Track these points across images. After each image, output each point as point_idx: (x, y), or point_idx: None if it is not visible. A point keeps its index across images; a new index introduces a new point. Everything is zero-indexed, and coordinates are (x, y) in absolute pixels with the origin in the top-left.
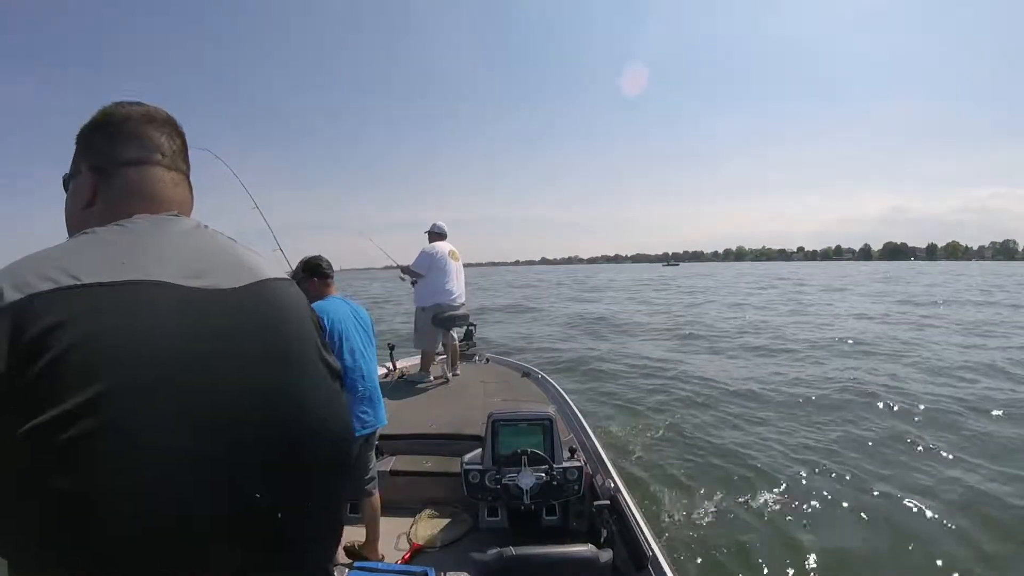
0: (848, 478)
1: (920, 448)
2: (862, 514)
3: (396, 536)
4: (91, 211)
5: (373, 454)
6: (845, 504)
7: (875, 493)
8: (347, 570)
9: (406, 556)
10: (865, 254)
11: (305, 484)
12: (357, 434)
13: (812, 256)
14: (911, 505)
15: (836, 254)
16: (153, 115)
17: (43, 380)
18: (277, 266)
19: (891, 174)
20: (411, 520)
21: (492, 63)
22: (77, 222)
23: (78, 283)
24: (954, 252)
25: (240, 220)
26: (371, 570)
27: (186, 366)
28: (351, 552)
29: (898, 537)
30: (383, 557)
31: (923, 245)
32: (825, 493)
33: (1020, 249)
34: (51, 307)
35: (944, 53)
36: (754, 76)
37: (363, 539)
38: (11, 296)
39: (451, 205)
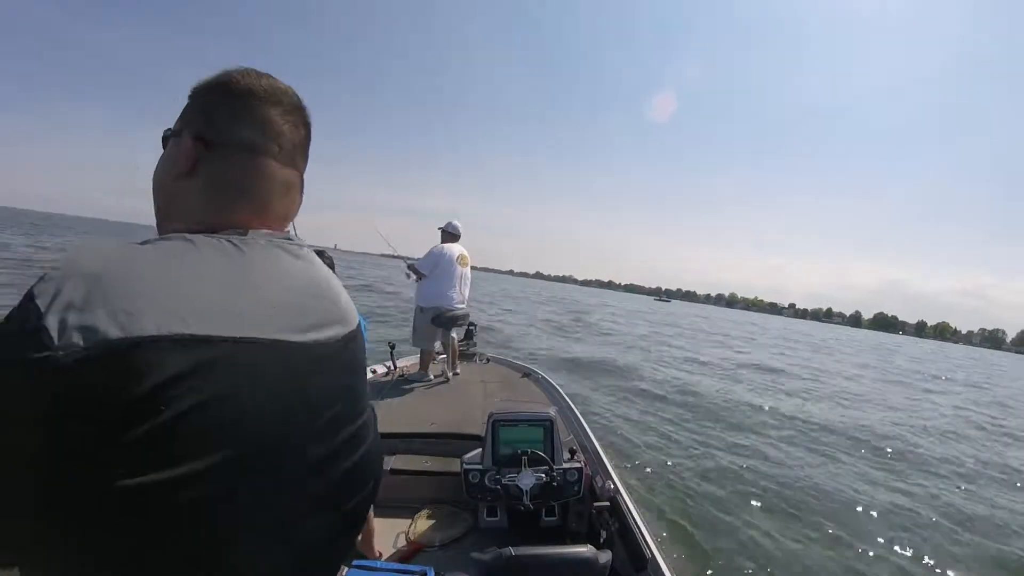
0: (846, 483)
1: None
2: (861, 515)
3: (395, 535)
4: (185, 184)
5: None
6: (844, 505)
7: (870, 500)
8: (345, 569)
9: (405, 555)
10: (855, 321)
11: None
12: None
13: (802, 314)
14: (908, 513)
15: (826, 316)
16: (281, 97)
17: (155, 440)
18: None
19: (894, 251)
20: (410, 519)
21: (519, 67)
22: (167, 189)
23: (194, 335)
24: (943, 332)
25: None
26: (369, 569)
27: (291, 433)
28: None
29: (897, 542)
30: (381, 556)
31: (914, 321)
32: (824, 494)
33: (1008, 340)
34: (164, 359)
35: (972, 144)
36: (767, 129)
37: (361, 538)
38: (114, 333)
39: (455, 198)
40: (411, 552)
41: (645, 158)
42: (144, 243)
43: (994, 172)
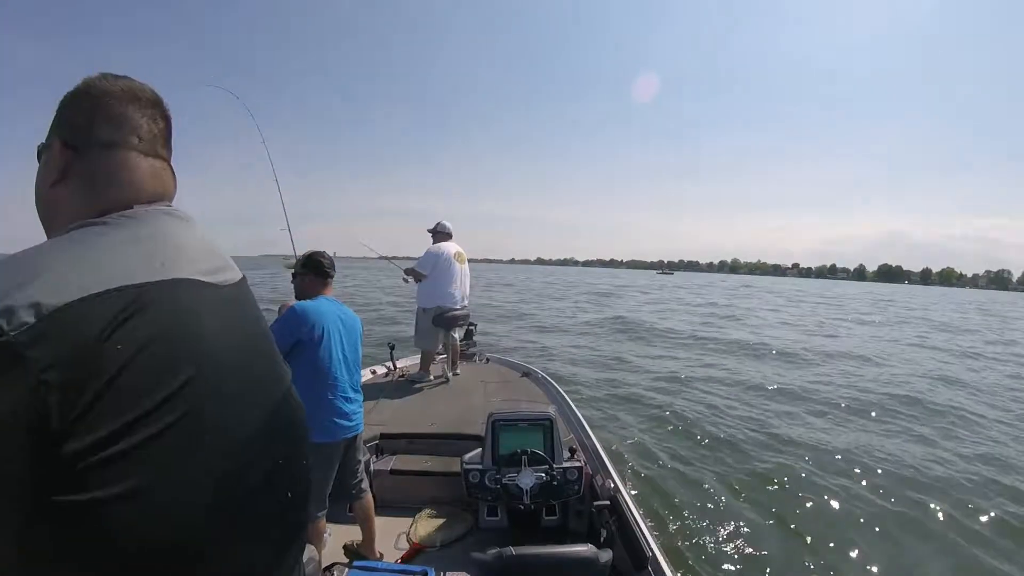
0: (847, 478)
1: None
2: (861, 514)
3: (396, 535)
4: (60, 190)
5: (360, 457)
6: (844, 503)
7: (876, 494)
8: (347, 569)
9: (406, 555)
10: (859, 274)
11: (303, 464)
12: (338, 438)
13: (806, 273)
14: (917, 509)
15: (831, 272)
16: (137, 93)
17: (122, 378)
18: None
19: (895, 199)
20: (411, 519)
21: (499, 59)
22: (46, 198)
23: (132, 283)
24: (948, 278)
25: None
26: (370, 569)
27: (233, 357)
28: (350, 551)
29: (900, 539)
30: (382, 556)
31: (918, 269)
32: (823, 491)
33: (1015, 279)
34: (106, 310)
35: (964, 83)
36: (763, 93)
37: (361, 539)
38: (64, 298)
39: (448, 197)
40: (412, 552)
41: (638, 137)
42: (46, 241)
43: (990, 117)
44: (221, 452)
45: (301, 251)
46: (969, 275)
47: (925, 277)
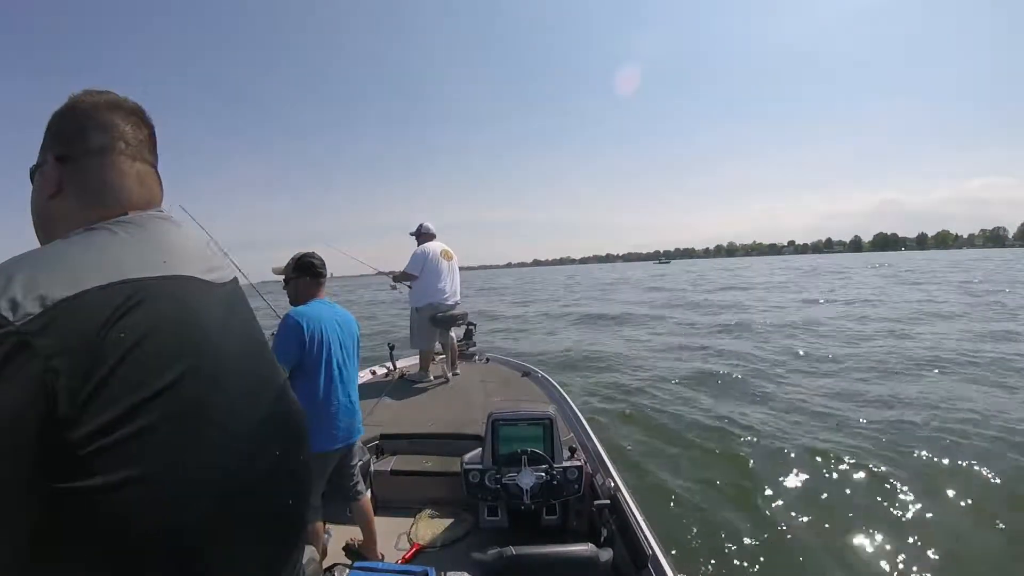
0: (848, 475)
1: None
2: (862, 512)
3: (396, 536)
4: (57, 202)
5: (356, 459)
6: (846, 502)
7: (879, 491)
8: (347, 570)
9: (406, 556)
10: (856, 246)
11: (302, 459)
12: (335, 447)
13: (803, 250)
14: (918, 503)
15: (827, 247)
16: (120, 103)
17: (124, 366)
18: None
19: (884, 171)
20: (411, 520)
21: (484, 65)
22: (43, 213)
23: (134, 278)
24: (944, 241)
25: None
26: (371, 570)
27: (232, 350)
28: (351, 552)
29: (902, 537)
30: (383, 557)
31: (913, 235)
32: (825, 491)
33: (1010, 236)
34: (113, 300)
35: (936, 52)
36: (747, 79)
37: (362, 539)
38: (69, 290)
39: (435, 209)
40: (413, 552)
41: (623, 134)
42: (49, 244)
43: (969, 86)
44: (221, 444)
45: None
46: (965, 236)
47: (921, 243)
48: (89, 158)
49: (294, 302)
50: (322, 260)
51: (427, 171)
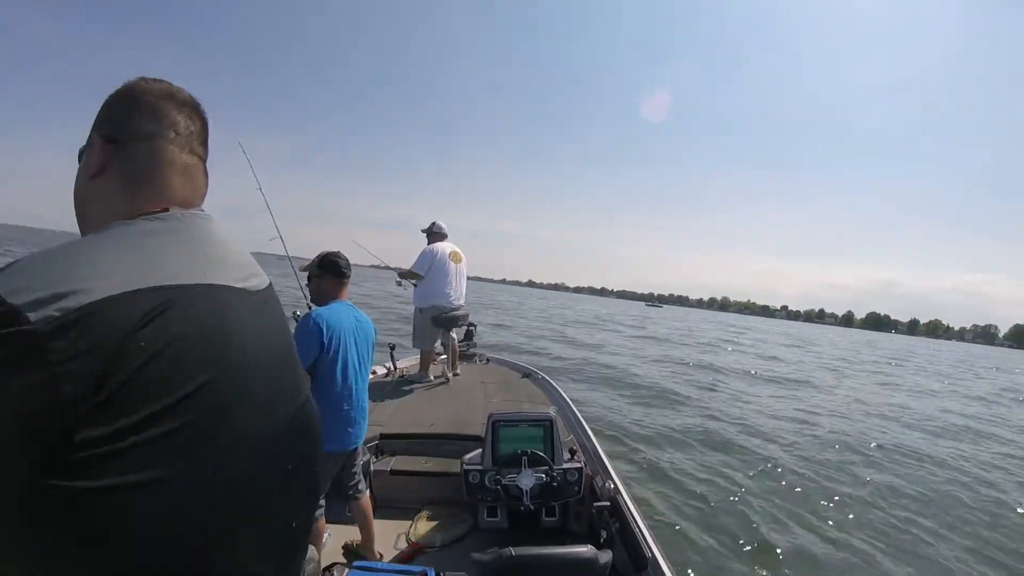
0: (847, 483)
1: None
2: (863, 517)
3: (396, 536)
4: (98, 182)
5: (358, 459)
6: (846, 506)
7: (876, 503)
8: (346, 570)
9: (406, 556)
10: (847, 320)
11: (315, 471)
12: (347, 447)
13: (795, 316)
14: (909, 514)
15: (819, 317)
16: (174, 93)
17: (142, 375)
18: None
19: (889, 251)
20: (411, 520)
21: (510, 73)
22: (84, 194)
23: (165, 284)
24: (935, 330)
25: (239, 196)
26: (370, 570)
27: (259, 362)
28: (350, 552)
29: (900, 545)
30: (382, 556)
31: (906, 319)
32: (824, 495)
33: (1000, 335)
34: (140, 306)
35: (961, 134)
36: (759, 137)
37: (361, 539)
38: (97, 294)
39: (446, 212)
40: (412, 553)
41: (635, 162)
42: (89, 235)
43: (991, 174)
44: (238, 455)
45: (294, 252)
46: (956, 328)
47: (912, 327)
48: (136, 142)
49: (316, 300)
50: (347, 260)
51: (429, 172)
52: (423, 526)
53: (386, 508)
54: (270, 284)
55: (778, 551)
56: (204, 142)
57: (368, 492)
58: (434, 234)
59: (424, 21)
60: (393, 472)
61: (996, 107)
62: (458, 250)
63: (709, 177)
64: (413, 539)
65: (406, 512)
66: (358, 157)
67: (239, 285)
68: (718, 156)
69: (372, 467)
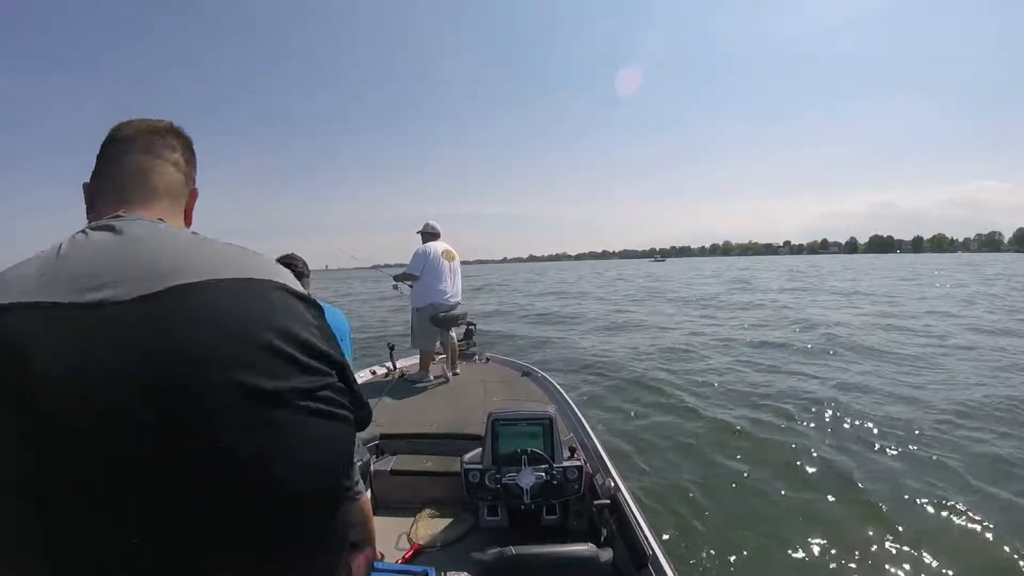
0: (854, 475)
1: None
2: (866, 512)
3: (396, 535)
4: (87, 187)
5: (356, 461)
6: (849, 502)
7: (883, 491)
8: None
9: (406, 556)
10: (851, 247)
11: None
12: None
13: (798, 250)
14: (918, 501)
15: (822, 248)
16: (155, 125)
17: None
18: (262, 267)
19: (881, 174)
20: (411, 520)
21: (484, 63)
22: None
23: (37, 301)
24: (939, 244)
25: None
26: (371, 569)
27: (79, 390)
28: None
29: (906, 536)
30: (383, 556)
31: (909, 238)
32: (828, 490)
33: (1005, 241)
34: (23, 320)
35: (938, 57)
36: (744, 79)
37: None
38: None
39: (432, 201)
40: (412, 552)
41: (622, 129)
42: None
43: (974, 84)
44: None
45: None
46: (960, 240)
47: (917, 245)
48: (105, 147)
49: None
50: (304, 261)
51: (421, 165)
52: (424, 525)
53: (386, 508)
54: (189, 284)
55: (782, 550)
56: (167, 144)
57: (368, 492)
58: (427, 234)
59: (401, 23)
60: (393, 472)
61: (966, 24)
62: (451, 248)
63: (696, 129)
64: (414, 539)
65: (407, 512)
66: (360, 156)
67: (78, 299)
68: (703, 108)
69: (372, 467)
